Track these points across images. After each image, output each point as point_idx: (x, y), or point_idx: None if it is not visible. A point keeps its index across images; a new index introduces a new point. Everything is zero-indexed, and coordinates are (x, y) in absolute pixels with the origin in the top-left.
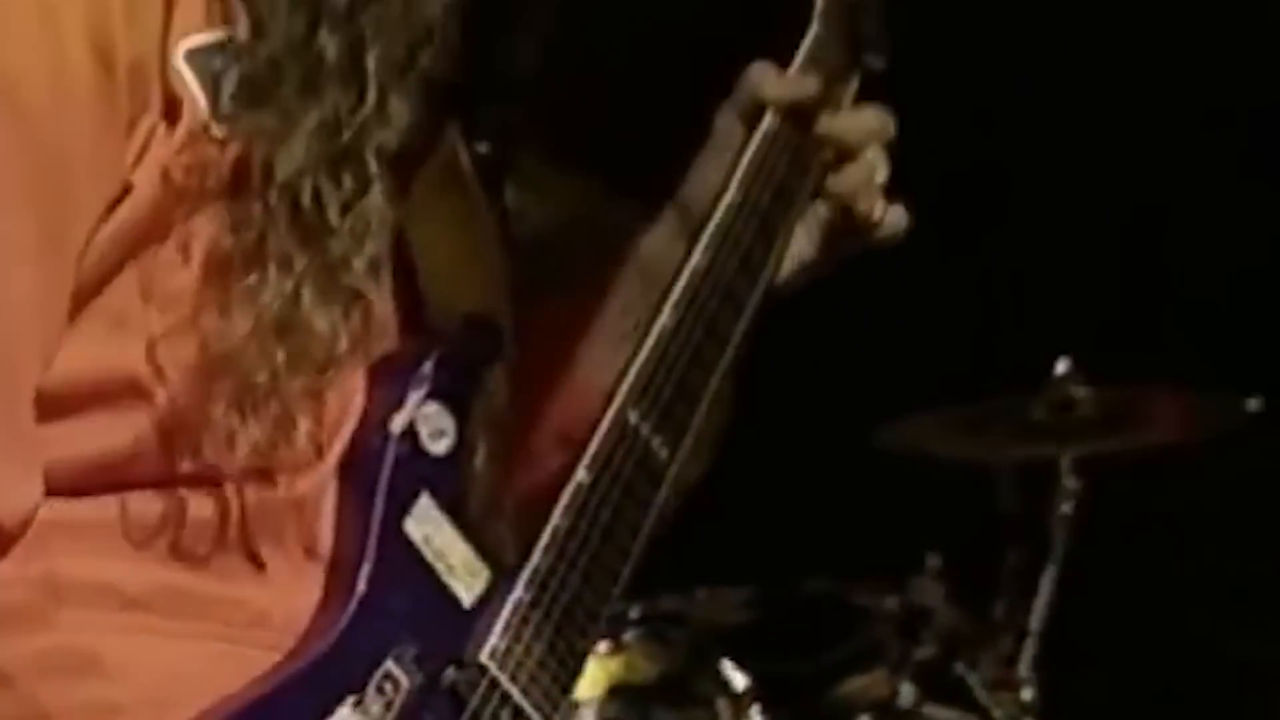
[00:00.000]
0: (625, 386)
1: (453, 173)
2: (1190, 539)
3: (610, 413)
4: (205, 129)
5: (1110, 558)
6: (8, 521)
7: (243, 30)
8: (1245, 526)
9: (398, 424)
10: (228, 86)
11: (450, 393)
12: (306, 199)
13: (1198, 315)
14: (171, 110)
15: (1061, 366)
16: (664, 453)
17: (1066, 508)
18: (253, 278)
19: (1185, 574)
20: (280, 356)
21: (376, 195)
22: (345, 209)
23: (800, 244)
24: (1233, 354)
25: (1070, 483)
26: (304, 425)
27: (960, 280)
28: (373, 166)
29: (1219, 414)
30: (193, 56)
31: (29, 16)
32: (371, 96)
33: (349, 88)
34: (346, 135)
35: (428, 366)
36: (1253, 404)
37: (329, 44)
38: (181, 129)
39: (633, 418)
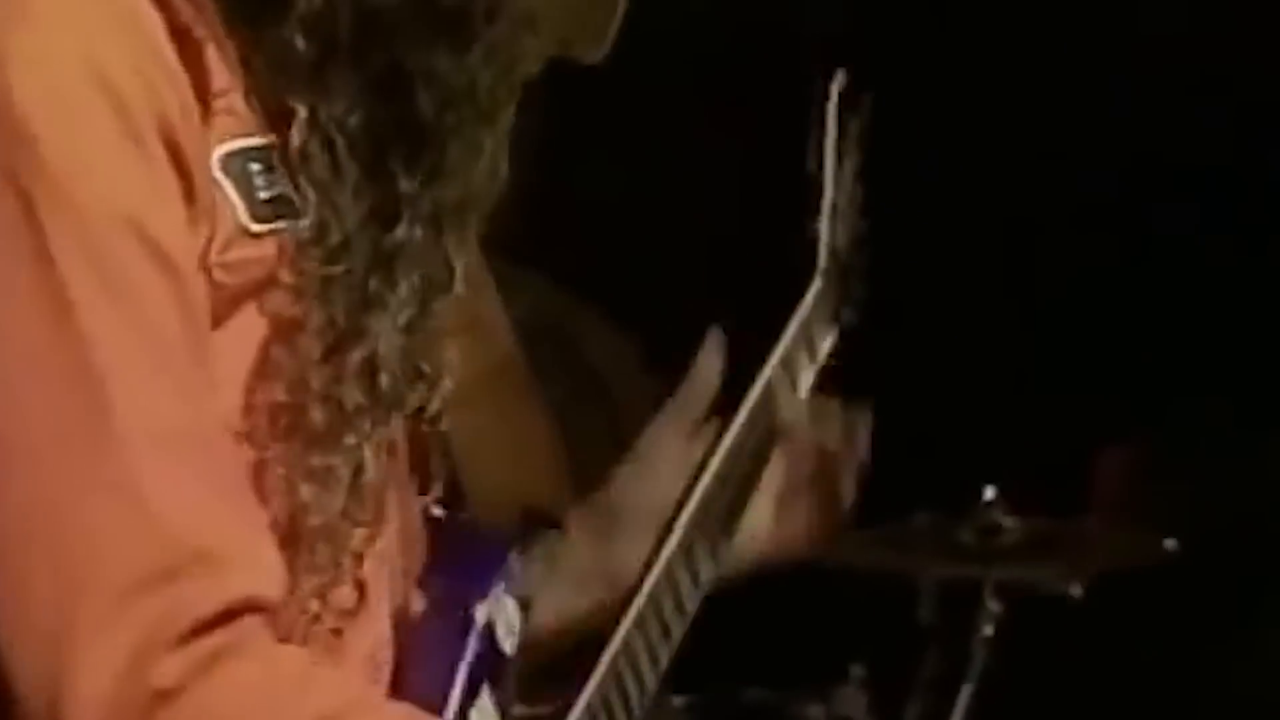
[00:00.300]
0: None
1: (504, 361)
2: (1105, 668)
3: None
4: (244, 231)
5: (1028, 681)
6: (277, 599)
7: (312, 208)
8: (1156, 662)
9: (482, 615)
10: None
11: (523, 592)
12: (386, 378)
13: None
14: (212, 215)
15: (988, 493)
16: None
17: (988, 629)
18: (328, 448)
19: (1103, 699)
20: (339, 513)
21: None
22: (415, 385)
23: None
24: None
25: (993, 605)
26: (349, 575)
27: (891, 406)
28: (449, 352)
29: (1138, 551)
30: (227, 162)
31: (110, 134)
32: (458, 284)
33: (432, 274)
34: (428, 321)
35: (514, 563)
36: (1170, 544)
37: (411, 233)
38: (221, 234)
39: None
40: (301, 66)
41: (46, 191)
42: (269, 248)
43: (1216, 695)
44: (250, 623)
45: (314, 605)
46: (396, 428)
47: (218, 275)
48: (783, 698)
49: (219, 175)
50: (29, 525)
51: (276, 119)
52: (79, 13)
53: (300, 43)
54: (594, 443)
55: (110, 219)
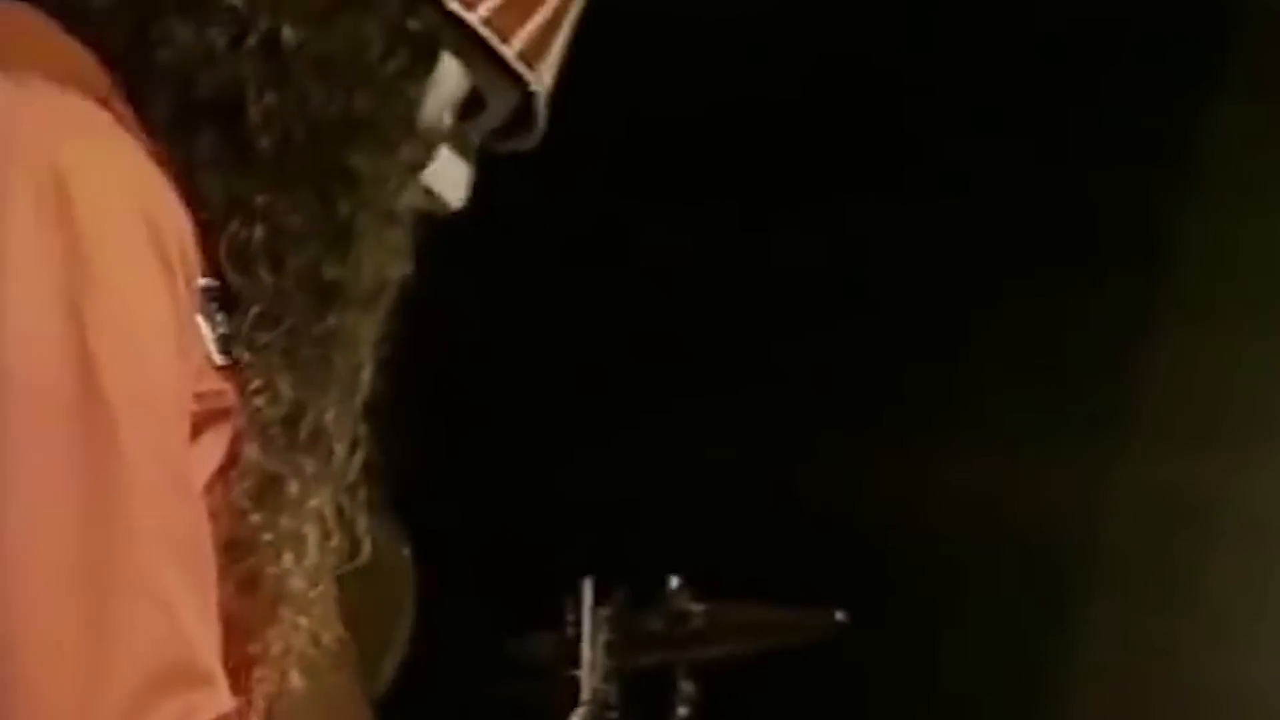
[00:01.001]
0: None
1: None
2: None
3: None
4: (210, 363)
5: None
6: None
7: (266, 294)
8: None
9: None
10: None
11: None
12: (338, 448)
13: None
14: (196, 346)
15: (673, 582)
16: None
17: (683, 710)
18: (298, 514)
19: None
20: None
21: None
22: (352, 455)
23: None
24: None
25: (686, 687)
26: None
27: (576, 503)
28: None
29: (812, 625)
30: (198, 298)
31: (151, 268)
32: (368, 363)
33: (356, 354)
34: (354, 397)
35: None
36: (840, 615)
37: (341, 318)
38: (195, 364)
39: None
40: (264, 162)
41: (92, 305)
42: (227, 382)
43: None
44: None
45: (283, 666)
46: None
47: (192, 404)
48: None
49: (196, 311)
50: (57, 606)
51: (212, 246)
52: (128, 163)
53: (264, 140)
54: None
55: (145, 340)
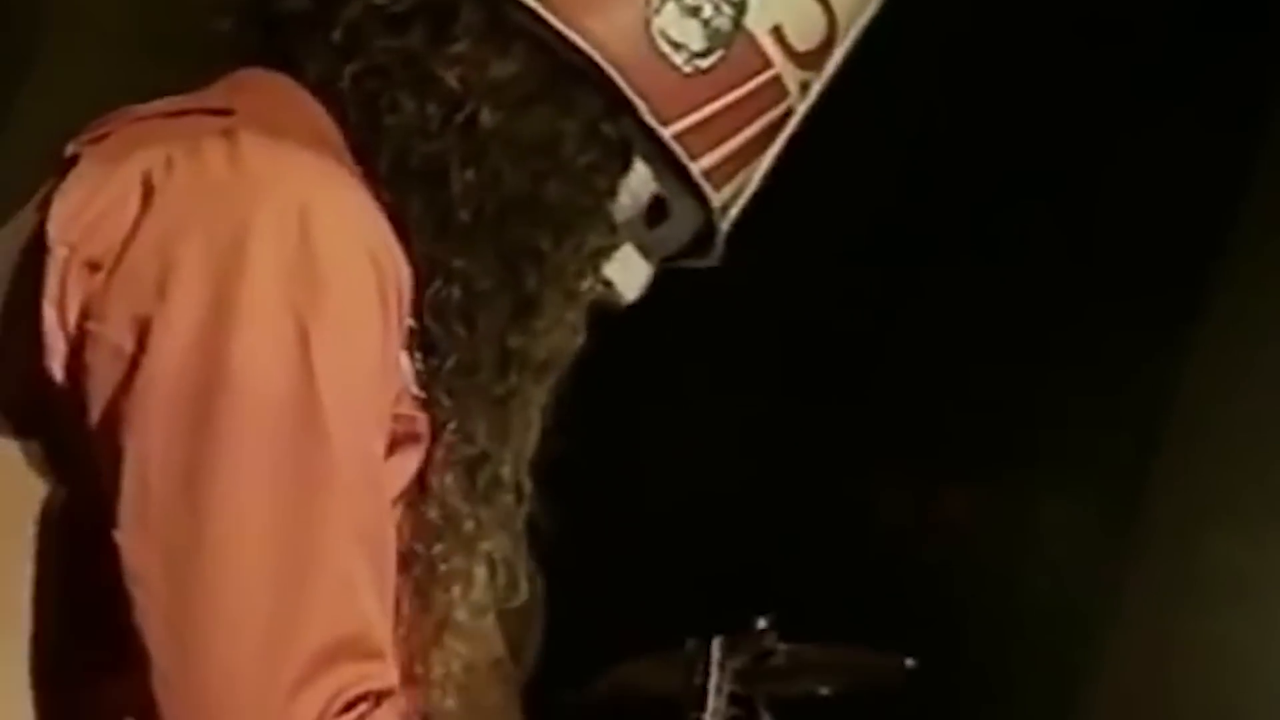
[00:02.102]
0: None
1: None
2: None
3: None
4: (409, 393)
5: None
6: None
7: (459, 347)
8: None
9: None
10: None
11: None
12: (508, 498)
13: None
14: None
15: (761, 622)
16: None
17: None
18: (470, 554)
19: None
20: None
21: None
22: (520, 506)
23: None
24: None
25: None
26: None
27: (669, 550)
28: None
29: (883, 670)
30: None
31: (374, 304)
32: (535, 427)
33: (528, 415)
34: (526, 452)
35: None
36: (909, 663)
37: (520, 381)
38: (396, 391)
39: None
40: (461, 232)
41: (318, 322)
42: (421, 411)
43: None
44: (388, 704)
45: (442, 688)
46: None
47: (390, 423)
48: None
49: (402, 346)
50: (250, 575)
51: (419, 294)
52: (362, 210)
53: (463, 213)
54: None
55: (357, 357)
